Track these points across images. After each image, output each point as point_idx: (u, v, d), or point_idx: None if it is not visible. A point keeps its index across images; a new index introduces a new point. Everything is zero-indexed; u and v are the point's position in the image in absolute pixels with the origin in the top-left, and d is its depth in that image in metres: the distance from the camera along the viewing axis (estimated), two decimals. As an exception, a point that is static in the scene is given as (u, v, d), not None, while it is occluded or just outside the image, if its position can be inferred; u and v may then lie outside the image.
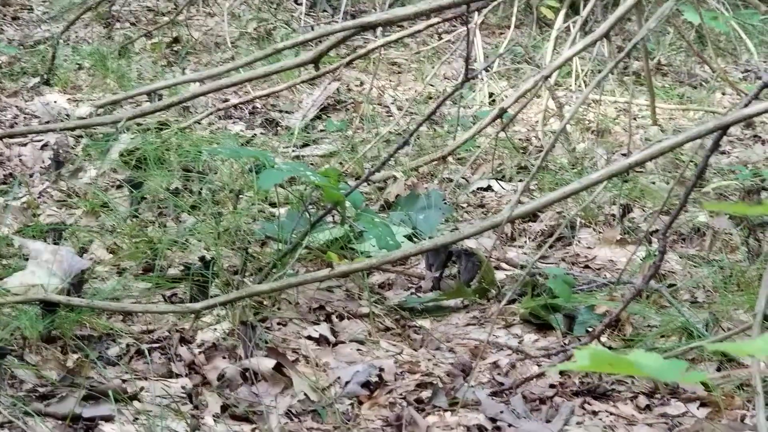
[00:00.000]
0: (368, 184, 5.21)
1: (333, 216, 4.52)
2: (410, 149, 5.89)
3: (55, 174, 5.23)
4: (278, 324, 3.80)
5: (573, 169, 5.60)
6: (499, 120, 5.09)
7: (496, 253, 4.45)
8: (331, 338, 3.75)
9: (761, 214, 2.15)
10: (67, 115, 6.22)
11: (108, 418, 3.08)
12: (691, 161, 4.74)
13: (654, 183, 5.41)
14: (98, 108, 5.72)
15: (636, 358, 1.35)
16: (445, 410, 3.25)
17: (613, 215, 4.89)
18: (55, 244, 4.00)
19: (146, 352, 3.46)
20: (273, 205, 4.95)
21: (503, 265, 4.40)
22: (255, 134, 6.36)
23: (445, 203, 4.87)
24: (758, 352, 1.39)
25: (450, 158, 5.57)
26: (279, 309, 3.91)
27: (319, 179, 3.70)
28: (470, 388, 3.36)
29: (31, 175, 5.25)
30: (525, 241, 4.72)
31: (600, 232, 4.75)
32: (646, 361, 1.35)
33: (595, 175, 3.10)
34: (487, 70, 6.95)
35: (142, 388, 3.26)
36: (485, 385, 3.45)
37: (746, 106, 3.03)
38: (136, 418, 3.10)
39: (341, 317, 3.93)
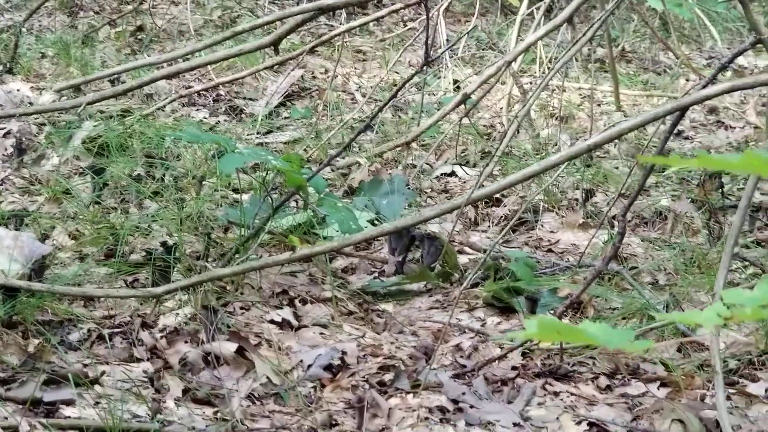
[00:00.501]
0: (332, 170, 5.22)
1: (296, 202, 4.53)
2: (374, 136, 5.90)
3: (18, 161, 5.19)
4: (241, 309, 3.80)
5: (537, 155, 5.61)
6: (463, 106, 5.09)
7: (459, 238, 4.46)
8: (294, 322, 3.75)
9: (694, 167, 2.17)
10: (30, 103, 6.17)
11: (69, 402, 3.07)
12: (653, 146, 4.76)
13: (617, 168, 5.44)
14: (58, 92, 5.69)
15: (585, 327, 1.36)
16: (408, 392, 3.26)
17: (576, 200, 4.92)
18: (16, 230, 3.98)
19: (107, 337, 3.45)
20: (236, 191, 4.94)
21: (466, 249, 4.41)
22: (218, 121, 6.34)
23: (409, 188, 4.88)
24: (707, 322, 1.40)
25: (414, 144, 5.57)
26: (242, 294, 3.90)
27: (281, 164, 3.69)
28: (432, 370, 3.37)
29: (-8, 163, 5.22)
30: (488, 226, 4.73)
31: (563, 217, 4.77)
32: (594, 329, 1.36)
33: (554, 157, 3.11)
34: (450, 56, 6.96)
35: (103, 373, 3.25)
36: (447, 368, 3.46)
37: (704, 87, 3.05)
38: (98, 402, 3.09)
39: (304, 302, 3.93)
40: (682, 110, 3.01)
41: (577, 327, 1.35)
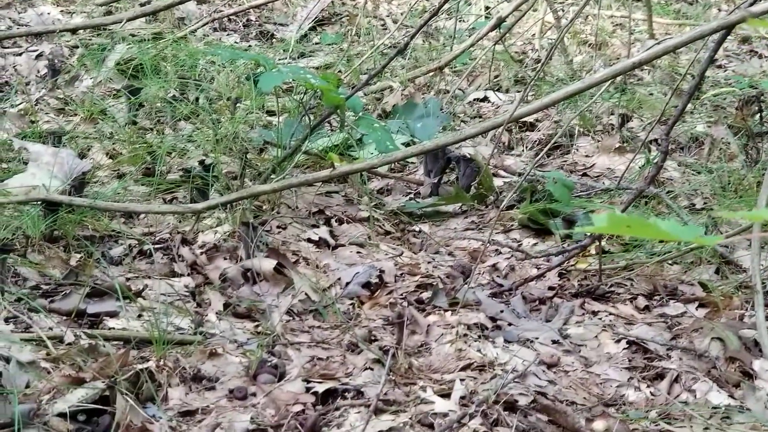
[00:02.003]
0: (365, 95, 5.20)
1: (330, 123, 4.52)
2: (406, 62, 5.87)
3: (52, 82, 5.20)
4: (278, 227, 3.82)
5: (571, 80, 5.57)
6: (496, 32, 5.06)
7: (494, 161, 4.46)
8: (331, 241, 3.77)
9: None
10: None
11: (113, 314, 3.10)
12: (689, 73, 4.72)
13: (651, 95, 5.40)
14: (100, 5, 5.68)
15: (655, 222, 1.36)
16: (446, 310, 3.27)
17: (612, 124, 4.89)
18: (54, 147, 3.99)
19: (149, 252, 3.48)
20: (270, 113, 4.95)
21: (501, 172, 4.41)
22: (249, 46, 6.32)
23: (443, 112, 4.86)
24: (759, 218, 1.41)
25: (446, 70, 5.55)
26: (278, 213, 3.92)
27: (320, 82, 3.68)
28: (470, 289, 3.38)
29: (27, 84, 5.22)
30: (523, 150, 4.72)
31: (598, 141, 4.75)
32: (664, 225, 1.36)
33: (599, 74, 3.09)
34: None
35: (145, 287, 3.28)
36: (485, 287, 3.47)
37: (752, 5, 3.01)
38: (140, 315, 3.12)
39: (340, 221, 3.94)
40: (728, 29, 2.98)
41: (648, 221, 1.35)
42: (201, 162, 3.96)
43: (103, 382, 2.62)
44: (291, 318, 3.23)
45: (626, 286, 3.48)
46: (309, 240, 3.75)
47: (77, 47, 5.82)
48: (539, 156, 3.98)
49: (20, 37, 5.46)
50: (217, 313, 3.20)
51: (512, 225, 3.96)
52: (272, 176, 3.99)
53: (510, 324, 3.22)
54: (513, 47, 6.29)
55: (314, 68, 5.86)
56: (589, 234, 3.69)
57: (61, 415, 2.53)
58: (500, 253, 3.74)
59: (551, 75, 5.69)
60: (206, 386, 2.79)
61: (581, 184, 4.23)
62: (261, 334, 3.08)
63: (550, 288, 3.46)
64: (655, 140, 4.54)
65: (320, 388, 2.77)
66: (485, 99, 5.42)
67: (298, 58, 6.02)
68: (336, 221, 3.93)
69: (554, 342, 3.11)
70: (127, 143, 4.42)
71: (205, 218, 3.75)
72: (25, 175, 3.73)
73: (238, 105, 4.83)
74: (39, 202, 3.48)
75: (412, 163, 4.46)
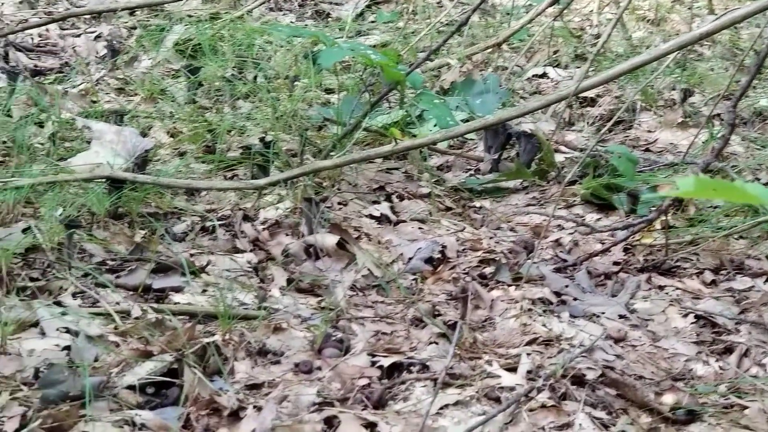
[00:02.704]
0: (422, 72, 5.17)
1: (389, 101, 4.51)
2: (462, 39, 5.84)
3: (111, 62, 5.23)
4: (339, 204, 3.81)
5: (628, 57, 5.51)
6: (554, 7, 5.02)
7: (555, 136, 4.42)
8: (392, 217, 3.76)
9: None
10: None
11: (178, 289, 3.12)
12: (752, 49, 4.65)
13: (712, 70, 5.34)
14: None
15: (741, 185, 1.33)
16: (509, 285, 3.25)
17: (673, 99, 4.83)
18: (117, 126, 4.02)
19: (214, 227, 3.49)
20: (328, 91, 4.94)
21: (562, 147, 4.37)
22: (305, 25, 6.32)
23: (502, 88, 4.82)
24: None
25: (504, 47, 5.51)
26: (339, 189, 3.92)
27: (380, 58, 3.67)
28: (534, 264, 3.36)
29: (87, 65, 5.25)
30: (583, 126, 4.68)
31: (660, 116, 4.70)
32: (751, 188, 1.34)
33: (665, 45, 3.05)
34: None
35: (209, 262, 3.29)
36: (548, 262, 3.45)
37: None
38: (205, 290, 3.13)
39: (401, 197, 3.93)
40: (797, -2, 2.92)
41: (734, 184, 1.32)
42: (261, 139, 3.97)
43: (170, 355, 2.63)
44: (354, 293, 3.23)
45: (692, 260, 3.44)
46: (370, 216, 3.74)
47: (135, 28, 5.86)
48: (603, 130, 3.95)
49: (81, 16, 5.48)
50: (280, 289, 3.21)
51: (574, 200, 3.93)
52: (332, 153, 3.99)
53: (575, 299, 3.19)
54: (571, 23, 6.24)
55: (371, 47, 5.85)
56: (654, 208, 3.65)
57: (130, 387, 2.55)
58: (563, 228, 3.71)
59: (610, 51, 5.64)
60: (271, 360, 2.79)
61: (644, 159, 4.19)
62: (325, 309, 3.08)
63: (615, 263, 3.43)
64: (718, 115, 4.49)
65: (385, 362, 2.76)
66: (544, 75, 5.38)
67: (354, 36, 6.00)
68: (397, 197, 3.93)
69: (621, 317, 3.08)
70: (187, 122, 4.44)
71: (266, 194, 3.76)
72: (89, 153, 3.76)
73: (296, 83, 4.83)
74: (103, 180, 3.50)
75: (471, 139, 4.44)
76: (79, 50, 5.56)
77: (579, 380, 2.66)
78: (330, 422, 2.49)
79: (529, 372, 2.71)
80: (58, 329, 2.79)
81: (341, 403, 2.59)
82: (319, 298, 3.18)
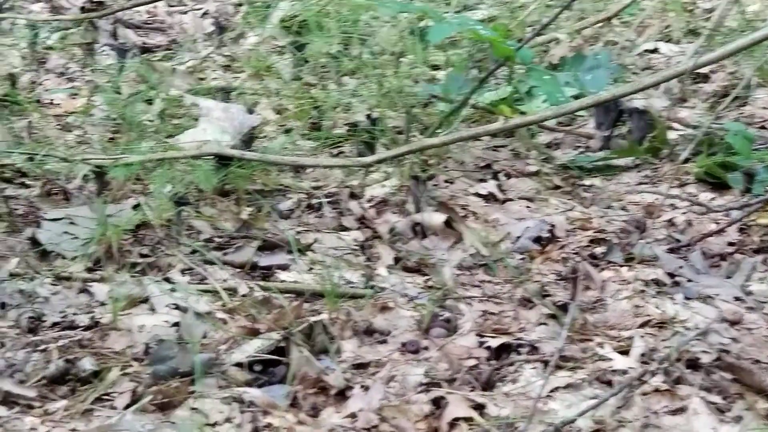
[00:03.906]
0: (530, 48, 5.09)
1: (496, 77, 4.44)
2: (570, 13, 5.73)
3: (218, 39, 5.26)
4: (445, 182, 3.78)
5: (743, 32, 5.36)
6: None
7: (667, 113, 4.31)
8: (500, 195, 3.71)
9: None
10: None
11: (284, 267, 3.12)
12: None
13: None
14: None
15: None
16: (621, 265, 3.18)
17: (791, 75, 4.68)
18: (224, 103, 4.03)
19: (320, 204, 3.49)
20: (434, 67, 4.90)
21: (675, 124, 4.26)
22: (411, 0, 6.26)
23: (612, 63, 4.72)
24: None
25: (614, 21, 5.40)
26: (446, 167, 3.88)
27: (489, 33, 3.61)
28: (647, 244, 3.28)
29: (194, 42, 5.29)
30: (696, 102, 4.56)
31: (777, 92, 4.56)
32: None
33: (786, 18, 2.94)
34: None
35: (315, 240, 3.29)
36: (661, 242, 3.36)
37: None
38: (311, 268, 3.13)
39: (508, 175, 3.88)
40: None
41: None
42: (367, 116, 3.95)
43: (278, 333, 2.63)
44: (461, 272, 3.19)
45: (812, 241, 3.34)
46: (477, 194, 3.69)
47: (241, 5, 5.88)
48: (720, 107, 3.83)
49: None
50: (387, 267, 3.19)
51: (688, 179, 3.83)
52: (438, 130, 3.95)
53: (689, 280, 3.11)
54: (682, -3, 6.08)
55: (478, 21, 5.78)
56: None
57: (238, 364, 2.55)
58: (676, 207, 3.62)
59: (723, 26, 5.48)
60: (378, 339, 2.78)
61: (760, 137, 4.06)
62: (432, 289, 3.05)
63: (730, 243, 3.33)
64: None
65: (494, 342, 2.72)
66: (656, 50, 5.25)
67: (462, 11, 5.93)
68: (504, 175, 3.87)
69: (736, 299, 2.99)
70: (293, 98, 4.44)
71: (372, 172, 3.73)
72: (197, 130, 3.78)
73: (402, 59, 4.80)
74: (211, 157, 3.51)
75: (581, 116, 4.35)
76: (187, 27, 5.60)
77: (693, 364, 2.59)
78: (437, 403, 2.46)
79: (642, 355, 2.65)
80: (167, 305, 2.82)
81: (449, 384, 2.56)
82: (426, 277, 3.15)
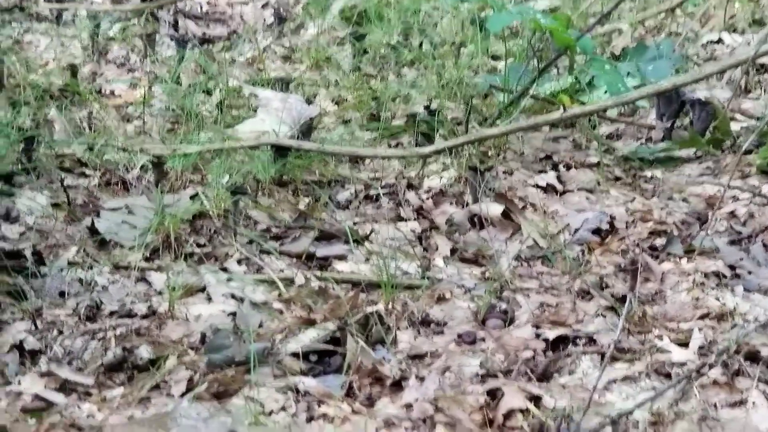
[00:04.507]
0: (591, 38, 5.05)
1: (557, 67, 4.41)
2: (635, 4, 5.67)
3: (278, 31, 5.27)
4: (504, 173, 3.75)
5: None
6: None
7: (730, 104, 4.25)
8: (559, 186, 3.68)
9: None
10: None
11: (341, 257, 3.12)
12: None
13: None
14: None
15: None
16: (681, 257, 3.14)
17: None
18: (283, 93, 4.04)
19: (377, 195, 3.48)
20: (494, 58, 4.87)
21: (737, 115, 4.20)
22: (471, -9, 6.24)
23: (675, 54, 4.66)
24: None
25: (677, 11, 5.34)
26: (504, 158, 3.85)
27: (549, 23, 3.58)
28: (707, 236, 3.23)
29: (254, 33, 5.31)
30: (760, 93, 4.49)
31: (842, 83, 4.48)
32: None
33: None
34: None
35: (372, 231, 3.28)
36: (722, 234, 3.31)
37: None
38: (368, 258, 3.12)
39: (568, 167, 3.85)
40: None
41: None
42: (426, 107, 3.94)
43: (333, 323, 2.62)
44: (519, 264, 3.17)
45: None
46: (536, 185, 3.67)
47: (302, -4, 5.89)
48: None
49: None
50: (444, 258, 3.18)
51: (750, 170, 3.77)
52: (498, 121, 3.93)
53: (750, 272, 3.06)
54: (748, -13, 6.00)
55: (540, 11, 5.74)
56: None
57: (294, 354, 2.55)
58: (738, 199, 3.56)
59: (790, 15, 5.40)
60: (434, 330, 2.76)
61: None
62: (489, 280, 3.03)
63: (793, 236, 3.28)
64: None
65: (550, 334, 2.70)
66: (719, 41, 5.18)
67: (522, 1, 5.90)
68: (564, 166, 3.84)
69: (798, 291, 2.94)
70: (351, 89, 4.44)
71: (431, 163, 3.72)
72: (255, 120, 3.80)
73: (462, 50, 4.78)
74: (269, 147, 3.52)
75: (642, 107, 4.30)
76: (247, 18, 5.63)
77: (753, 356, 2.54)
78: (493, 394, 2.44)
79: (701, 347, 2.61)
80: (223, 295, 2.82)
81: (505, 375, 2.54)
82: (483, 268, 3.13)
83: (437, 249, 3.23)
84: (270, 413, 2.35)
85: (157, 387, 2.45)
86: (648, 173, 3.82)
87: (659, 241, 3.26)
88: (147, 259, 3.04)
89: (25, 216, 3.21)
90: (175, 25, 5.32)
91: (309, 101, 4.14)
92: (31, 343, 2.55)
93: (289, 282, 2.93)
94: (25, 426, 2.30)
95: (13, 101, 3.81)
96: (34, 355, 2.53)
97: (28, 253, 2.89)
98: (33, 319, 2.64)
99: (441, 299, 2.88)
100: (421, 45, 4.81)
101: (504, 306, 2.84)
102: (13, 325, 2.64)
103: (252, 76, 4.55)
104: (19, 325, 2.63)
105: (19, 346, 2.53)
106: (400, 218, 3.42)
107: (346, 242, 3.15)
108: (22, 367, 2.49)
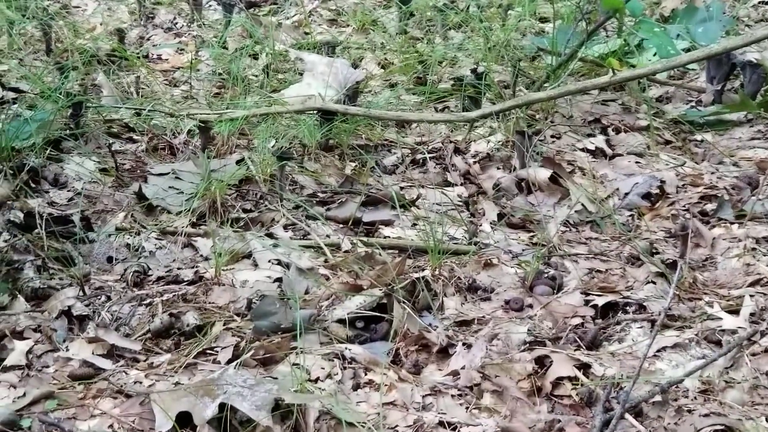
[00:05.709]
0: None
1: (606, 30, 4.35)
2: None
3: (324, -6, 5.24)
4: (552, 137, 3.71)
5: None
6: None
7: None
8: (608, 150, 3.64)
9: None
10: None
11: (387, 223, 3.10)
12: None
13: None
14: None
15: None
16: (732, 223, 3.10)
17: None
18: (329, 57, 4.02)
19: (424, 160, 3.46)
20: (542, 20, 4.82)
21: (791, 78, 4.13)
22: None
23: (725, 15, 4.58)
24: None
25: (729, -29, 5.25)
26: (552, 122, 3.81)
27: (597, -16, 3.53)
28: (759, 200, 3.18)
29: (300, -5, 5.28)
30: (814, 55, 4.41)
31: None
32: None
33: None
34: None
35: (419, 196, 3.26)
36: (775, 198, 3.26)
37: None
38: (415, 224, 3.11)
39: (617, 130, 3.80)
40: None
41: None
42: (473, 71, 3.90)
43: (380, 289, 2.61)
44: (567, 229, 3.14)
45: None
46: (585, 149, 3.63)
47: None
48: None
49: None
50: (491, 223, 3.15)
51: (803, 133, 3.72)
52: (546, 84, 3.88)
53: (803, 237, 3.01)
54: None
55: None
56: None
57: (340, 321, 2.55)
58: (790, 163, 3.51)
59: None
60: (481, 296, 2.75)
61: None
62: (537, 245, 3.00)
63: None
64: None
65: (600, 301, 2.68)
66: (772, 1, 5.10)
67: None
68: (613, 130, 3.79)
69: None
70: (398, 53, 4.41)
71: (478, 127, 3.69)
72: (301, 84, 3.78)
73: (509, 12, 4.73)
74: (315, 111, 3.51)
75: (692, 69, 4.24)
76: (294, -18, 5.59)
77: (806, 324, 2.51)
78: (541, 362, 2.43)
79: (752, 314, 2.58)
80: (269, 261, 2.82)
81: (553, 343, 2.52)
82: (531, 234, 3.11)
83: (484, 214, 3.21)
84: (316, 380, 2.36)
85: (203, 353, 2.46)
86: (698, 137, 3.77)
87: (710, 206, 3.22)
88: (193, 225, 3.05)
89: (73, 182, 3.22)
90: (221, -11, 5.30)
91: (355, 65, 4.11)
92: (79, 308, 2.56)
93: (336, 248, 2.92)
94: (72, 392, 2.32)
95: (61, 66, 3.82)
96: (82, 320, 2.55)
97: (76, 218, 2.91)
98: (81, 285, 2.65)
99: (488, 265, 2.87)
100: (467, 7, 4.76)
101: (552, 272, 2.82)
102: (62, 291, 2.65)
103: (298, 40, 4.53)
104: (67, 291, 2.65)
105: (67, 312, 2.55)
106: (447, 183, 3.40)
107: (393, 207, 3.13)
108: (70, 333, 2.51)
